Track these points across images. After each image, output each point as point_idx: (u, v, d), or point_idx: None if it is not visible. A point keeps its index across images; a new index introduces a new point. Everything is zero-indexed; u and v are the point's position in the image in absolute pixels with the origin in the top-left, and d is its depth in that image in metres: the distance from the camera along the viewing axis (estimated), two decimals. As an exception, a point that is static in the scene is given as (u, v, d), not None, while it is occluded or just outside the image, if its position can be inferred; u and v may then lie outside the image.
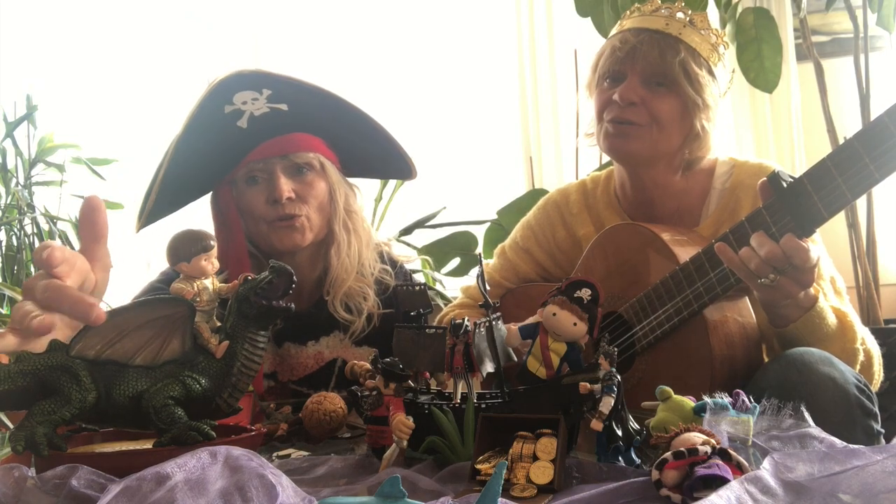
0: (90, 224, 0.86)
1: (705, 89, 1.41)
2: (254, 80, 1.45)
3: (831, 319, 1.25)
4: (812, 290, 1.22)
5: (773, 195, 1.15)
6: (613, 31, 1.51)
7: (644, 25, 1.43)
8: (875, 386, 1.33)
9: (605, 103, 1.46)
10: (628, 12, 1.50)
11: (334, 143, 1.54)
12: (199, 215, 1.64)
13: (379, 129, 1.55)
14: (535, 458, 0.82)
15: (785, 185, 1.13)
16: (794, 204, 1.11)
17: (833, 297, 1.37)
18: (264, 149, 1.47)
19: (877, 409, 1.19)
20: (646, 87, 1.42)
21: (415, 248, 2.58)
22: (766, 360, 1.32)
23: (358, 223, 1.58)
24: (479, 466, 0.84)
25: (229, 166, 1.49)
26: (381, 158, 1.61)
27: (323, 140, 1.52)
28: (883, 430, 1.19)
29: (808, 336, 1.23)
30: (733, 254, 1.17)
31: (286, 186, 1.47)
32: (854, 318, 1.31)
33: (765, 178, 1.17)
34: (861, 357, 1.29)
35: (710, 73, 1.43)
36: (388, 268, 1.63)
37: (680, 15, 1.43)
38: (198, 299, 0.89)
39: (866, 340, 1.32)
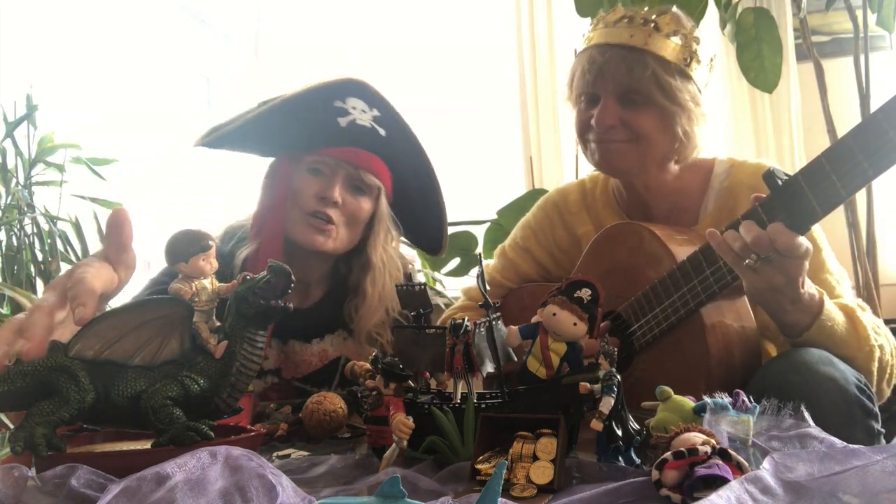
0: (116, 236, 0.94)
1: (681, 95, 1.39)
2: (371, 97, 1.53)
3: (841, 319, 1.24)
4: (817, 294, 1.21)
5: (769, 192, 1.15)
6: (582, 45, 1.49)
7: (609, 40, 1.40)
8: (893, 379, 1.31)
9: (584, 125, 1.46)
10: (594, 22, 1.47)
11: (398, 187, 1.58)
12: (201, 216, 1.65)
13: (440, 203, 1.62)
14: (535, 458, 0.82)
15: (780, 182, 1.13)
16: (789, 201, 1.12)
17: (839, 291, 1.36)
18: (346, 152, 1.50)
19: (877, 409, 1.19)
20: (622, 106, 1.40)
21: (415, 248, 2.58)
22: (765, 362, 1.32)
23: (391, 264, 1.60)
24: (479, 466, 0.84)
25: (308, 147, 1.51)
26: (425, 226, 1.66)
27: (392, 177, 1.56)
28: (883, 430, 1.18)
29: (825, 342, 1.21)
30: (720, 237, 1.17)
31: (339, 192, 1.50)
32: (861, 311, 1.30)
33: (756, 195, 1.17)
34: (877, 353, 1.27)
35: (684, 75, 1.40)
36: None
37: (642, 22, 1.39)
38: (196, 299, 0.89)
39: (879, 335, 1.29)
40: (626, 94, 1.40)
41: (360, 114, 1.51)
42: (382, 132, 1.53)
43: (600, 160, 1.46)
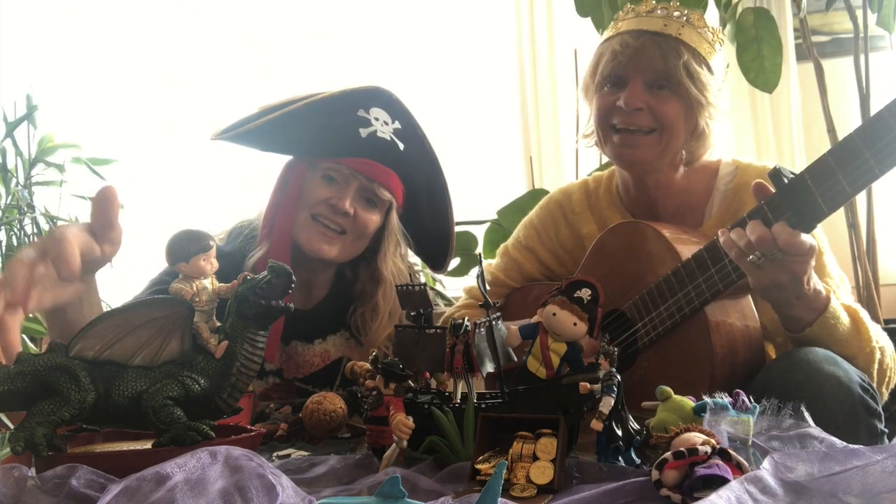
0: (103, 212, 0.95)
1: (707, 88, 1.41)
2: (394, 108, 1.54)
3: (845, 319, 1.24)
4: (824, 291, 1.21)
5: (775, 190, 1.15)
6: (608, 33, 1.49)
7: (642, 27, 1.42)
8: (892, 383, 1.32)
9: (608, 109, 1.45)
10: (622, 13, 1.48)
11: (410, 201, 1.59)
12: (201, 216, 1.65)
13: (450, 221, 1.63)
14: (535, 458, 0.82)
15: (786, 180, 1.13)
16: (795, 199, 1.11)
17: (838, 295, 1.37)
18: (363, 164, 1.50)
19: (881, 409, 1.19)
20: (649, 92, 1.41)
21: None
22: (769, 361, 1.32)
23: (401, 277, 1.60)
24: (479, 466, 0.84)
25: (326, 153, 1.51)
26: (431, 241, 1.66)
27: (405, 191, 1.56)
28: (887, 430, 1.18)
29: (826, 339, 1.22)
30: (728, 234, 1.17)
31: (351, 202, 1.50)
32: (864, 314, 1.30)
33: (758, 181, 1.17)
34: (878, 356, 1.27)
35: (710, 70, 1.42)
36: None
37: (676, 14, 1.42)
38: (197, 299, 0.89)
39: (880, 338, 1.30)
40: (655, 80, 1.41)
41: (382, 126, 1.51)
42: (401, 146, 1.53)
43: (621, 151, 1.45)
